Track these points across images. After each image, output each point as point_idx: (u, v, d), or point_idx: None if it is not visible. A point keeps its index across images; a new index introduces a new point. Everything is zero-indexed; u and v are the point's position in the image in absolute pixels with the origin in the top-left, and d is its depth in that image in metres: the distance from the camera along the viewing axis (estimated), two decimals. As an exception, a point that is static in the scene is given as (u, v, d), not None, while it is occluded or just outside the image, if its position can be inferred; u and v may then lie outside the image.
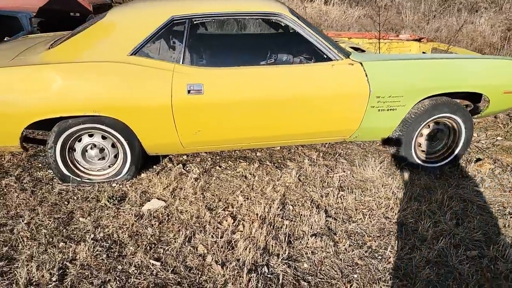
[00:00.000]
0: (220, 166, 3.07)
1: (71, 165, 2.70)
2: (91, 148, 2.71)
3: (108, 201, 2.54)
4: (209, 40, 2.92)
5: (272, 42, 2.86)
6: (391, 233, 2.40)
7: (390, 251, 2.23)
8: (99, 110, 2.47)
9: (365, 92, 2.74)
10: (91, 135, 2.68)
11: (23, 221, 2.34)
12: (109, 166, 2.79)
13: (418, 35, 4.62)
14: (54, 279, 1.93)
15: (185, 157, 3.18)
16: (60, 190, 2.67)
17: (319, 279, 2.02)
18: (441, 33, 7.87)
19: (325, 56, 2.72)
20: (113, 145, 2.73)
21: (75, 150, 2.70)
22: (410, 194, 2.78)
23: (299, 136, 2.88)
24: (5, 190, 2.65)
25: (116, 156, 2.77)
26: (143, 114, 2.53)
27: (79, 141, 2.68)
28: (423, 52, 4.22)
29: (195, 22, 2.62)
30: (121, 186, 2.74)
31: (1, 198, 2.56)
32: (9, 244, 2.15)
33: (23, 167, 2.94)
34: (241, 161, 3.17)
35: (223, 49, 2.92)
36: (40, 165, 3.00)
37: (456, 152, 3.20)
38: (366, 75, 2.73)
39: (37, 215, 2.40)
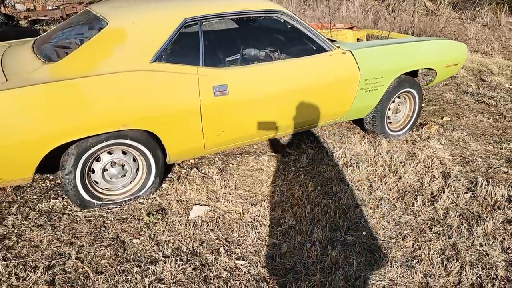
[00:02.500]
0: (232, 164, 3.11)
1: (91, 188, 2.45)
2: (111, 166, 2.50)
3: (150, 217, 2.41)
4: (222, 39, 2.90)
5: (276, 38, 3.00)
6: (406, 192, 2.82)
7: (416, 206, 2.64)
8: (129, 123, 2.31)
9: (356, 76, 3.10)
10: (109, 153, 2.47)
11: (70, 257, 2.08)
12: (130, 182, 2.61)
13: (350, 24, 5.21)
14: (157, 303, 1.82)
15: (192, 161, 3.13)
16: (86, 217, 2.41)
17: (381, 241, 2.32)
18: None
19: (322, 48, 2.99)
20: (134, 160, 2.56)
21: (93, 172, 2.46)
22: (399, 158, 3.25)
23: (306, 123, 3.11)
24: (16, 231, 2.28)
25: (137, 171, 2.60)
26: (173, 122, 2.45)
27: (97, 160, 2.45)
28: (358, 39, 4.81)
29: (206, 23, 2.61)
30: (149, 200, 2.60)
31: (20, 240, 2.20)
32: (79, 284, 1.91)
33: (13, 202, 2.53)
34: (247, 155, 3.25)
35: (238, 47, 2.94)
36: (34, 196, 2.62)
37: (412, 120, 3.82)
38: (356, 62, 3.09)
39: (82, 247, 2.16)
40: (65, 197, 2.60)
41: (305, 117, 3.02)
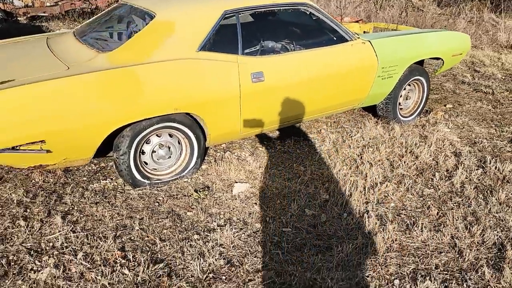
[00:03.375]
0: (260, 147, 3.34)
1: (141, 168, 2.65)
2: (159, 147, 2.70)
3: (198, 193, 2.62)
4: (257, 30, 3.11)
5: (303, 29, 3.22)
6: (424, 169, 3.09)
7: (435, 181, 2.91)
8: (180, 107, 2.51)
9: (375, 64, 3.35)
10: (158, 135, 2.67)
11: (133, 228, 2.28)
12: (175, 163, 2.81)
13: (356, 18, 5.47)
14: (222, 262, 2.04)
15: (223, 145, 3.34)
16: (138, 195, 2.61)
17: (409, 211, 2.58)
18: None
19: (344, 38, 3.23)
20: (178, 142, 2.76)
21: (143, 153, 2.65)
22: (413, 141, 3.52)
23: (329, 108, 3.35)
24: (76, 208, 2.46)
25: (180, 153, 2.80)
26: (216, 106, 2.66)
27: (147, 142, 2.65)
28: (364, 32, 5.06)
29: (242, 14, 2.82)
30: (192, 179, 2.81)
31: (82, 215, 2.39)
32: (147, 250, 2.12)
33: (65, 184, 2.70)
34: (273, 140, 3.48)
35: (270, 37, 3.15)
36: (84, 178, 2.80)
37: (421, 106, 4.10)
38: (375, 51, 3.34)
39: (142, 220, 2.36)
40: (114, 178, 2.79)
41: (328, 103, 3.26)
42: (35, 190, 2.61)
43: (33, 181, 2.72)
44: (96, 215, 2.39)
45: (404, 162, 3.14)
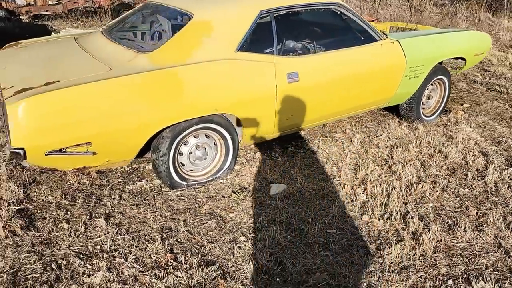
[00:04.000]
0: (289, 148, 3.33)
1: (179, 170, 2.63)
2: (196, 149, 2.68)
3: (236, 195, 2.60)
4: (290, 30, 3.09)
5: (335, 28, 3.22)
6: (455, 169, 3.10)
7: (468, 180, 2.92)
8: (219, 108, 2.50)
9: (403, 64, 3.35)
10: (195, 137, 2.65)
11: (178, 230, 2.27)
12: (210, 164, 2.79)
13: (372, 17, 5.47)
14: (273, 264, 2.03)
15: (252, 146, 3.33)
16: (177, 196, 2.59)
17: (448, 211, 2.58)
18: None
19: (373, 37, 3.23)
20: (214, 143, 2.75)
21: (181, 154, 2.64)
22: (439, 140, 3.53)
23: (358, 108, 3.35)
24: (117, 210, 2.44)
25: (215, 154, 2.78)
26: (253, 106, 2.65)
27: (185, 144, 2.63)
28: (381, 31, 5.06)
29: (277, 14, 2.80)
30: (228, 180, 2.79)
31: (124, 217, 2.37)
32: (196, 252, 2.11)
33: (101, 185, 2.68)
34: (300, 140, 3.47)
35: (304, 37, 3.14)
36: (119, 180, 2.78)
37: (442, 106, 4.12)
38: (403, 50, 3.34)
39: (185, 221, 2.34)
40: (149, 179, 2.77)
41: (358, 102, 3.26)
42: (72, 192, 2.58)
43: (68, 183, 2.69)
44: (138, 217, 2.37)
45: (435, 162, 3.15)
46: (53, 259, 2.02)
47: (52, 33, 8.00)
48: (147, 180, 2.76)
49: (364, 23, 3.19)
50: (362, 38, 3.18)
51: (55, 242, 2.14)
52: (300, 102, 2.87)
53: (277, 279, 1.96)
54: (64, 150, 2.09)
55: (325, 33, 3.25)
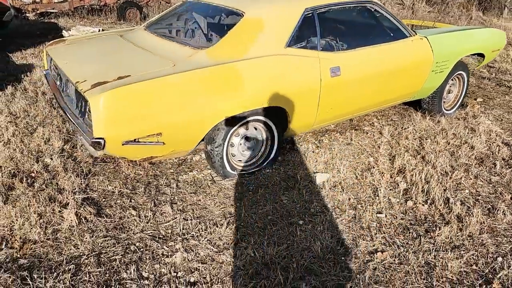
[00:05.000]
0: (323, 140, 3.48)
1: (230, 160, 2.77)
2: (246, 139, 2.82)
3: (286, 183, 2.75)
4: (331, 26, 3.24)
5: (370, 25, 3.38)
6: (482, 159, 3.28)
7: (498, 169, 3.11)
8: (271, 101, 2.64)
9: (431, 59, 3.53)
10: (245, 128, 2.79)
11: (241, 215, 2.41)
12: (256, 155, 2.93)
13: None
14: (336, 244, 2.18)
15: (291, 138, 3.47)
16: (230, 185, 2.73)
17: (484, 196, 2.76)
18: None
19: (405, 34, 3.39)
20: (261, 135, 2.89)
21: (232, 145, 2.77)
22: (463, 132, 3.71)
23: (389, 101, 3.52)
24: (176, 197, 2.57)
25: (261, 145, 2.93)
26: (300, 99, 2.79)
27: (236, 135, 2.77)
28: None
29: (319, 12, 2.95)
30: (273, 169, 2.94)
31: (186, 204, 2.50)
32: (262, 234, 2.25)
33: (155, 176, 2.81)
34: (333, 133, 3.63)
35: (343, 33, 3.29)
36: (171, 170, 2.91)
37: (460, 100, 4.31)
38: (431, 46, 3.52)
39: (243, 207, 2.49)
40: (198, 170, 2.90)
41: (390, 96, 3.43)
42: (131, 182, 2.71)
43: (123, 173, 2.81)
44: (199, 204, 2.51)
45: (463, 153, 3.33)
46: (130, 243, 2.15)
47: (66, 32, 8.04)
48: (197, 171, 2.90)
49: (396, 20, 3.36)
50: (395, 34, 3.34)
51: (128, 227, 2.27)
52: (340, 95, 3.02)
53: (342, 257, 2.11)
54: (138, 140, 2.21)
55: (362, 30, 3.41)
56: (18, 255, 2.06)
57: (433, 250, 2.18)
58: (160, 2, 11.65)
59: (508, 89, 5.41)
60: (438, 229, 2.36)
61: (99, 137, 2.10)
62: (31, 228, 2.21)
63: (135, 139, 2.20)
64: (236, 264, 2.02)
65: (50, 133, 3.38)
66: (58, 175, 2.77)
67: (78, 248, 2.11)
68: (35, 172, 2.81)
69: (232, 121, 2.59)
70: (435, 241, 2.26)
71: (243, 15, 2.71)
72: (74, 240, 2.15)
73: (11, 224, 2.28)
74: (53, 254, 2.07)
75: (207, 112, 2.38)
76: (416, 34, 3.48)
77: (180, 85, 2.28)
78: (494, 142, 3.56)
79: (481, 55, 4.20)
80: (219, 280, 1.94)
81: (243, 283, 1.90)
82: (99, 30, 8.81)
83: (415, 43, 3.42)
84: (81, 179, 2.70)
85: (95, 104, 2.07)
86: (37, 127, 3.56)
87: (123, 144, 2.17)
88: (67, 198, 2.48)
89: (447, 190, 2.77)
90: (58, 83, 2.97)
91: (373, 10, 3.26)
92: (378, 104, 3.45)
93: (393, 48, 3.28)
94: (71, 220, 2.28)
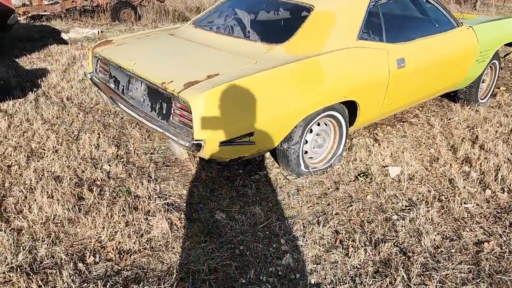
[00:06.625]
0: (379, 134, 3.46)
1: (305, 157, 2.71)
2: (317, 136, 2.76)
3: (363, 179, 2.71)
4: (392, 17, 3.20)
5: (425, 16, 3.36)
6: (535, 145, 3.33)
7: (555, 154, 3.16)
8: (348, 95, 2.59)
9: (476, 48, 3.55)
10: (318, 125, 2.73)
11: (332, 213, 2.35)
12: (325, 151, 2.88)
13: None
14: (439, 238, 2.16)
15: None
16: (307, 183, 2.67)
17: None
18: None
19: (454, 24, 3.41)
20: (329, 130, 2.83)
21: (306, 142, 2.71)
22: (507, 121, 3.76)
23: (440, 91, 3.54)
24: (258, 197, 2.49)
25: (330, 141, 2.88)
26: (371, 92, 2.76)
27: (310, 132, 2.70)
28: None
29: (381, 3, 2.92)
30: (342, 166, 2.89)
31: (270, 203, 2.43)
32: (363, 230, 2.20)
33: (231, 177, 2.72)
34: (383, 126, 3.61)
35: (402, 24, 3.25)
36: (240, 171, 2.82)
37: (492, 89, 4.37)
38: (476, 36, 3.54)
39: (329, 205, 2.43)
40: (267, 170, 2.83)
41: (441, 86, 3.44)
42: (206, 184, 2.61)
43: (193, 176, 2.71)
44: (285, 204, 2.44)
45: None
46: (232, 246, 2.07)
47: (65, 34, 7.76)
48: (266, 170, 2.82)
49: (446, 10, 3.36)
50: (446, 25, 3.35)
51: (223, 231, 2.18)
52: (404, 87, 3.00)
53: (452, 250, 2.09)
54: (233, 140, 2.12)
55: (418, 21, 3.39)
56: (120, 267, 1.94)
57: (532, 237, 2.18)
58: (154, 3, 11.42)
59: (524, 77, 5.52)
60: (526, 216, 2.36)
61: (199, 139, 2.00)
62: (124, 238, 2.10)
63: (230, 140, 2.11)
64: (351, 263, 1.96)
65: (98, 139, 3.23)
66: (125, 181, 2.65)
67: (180, 256, 2.00)
68: (100, 180, 2.68)
69: (309, 118, 2.53)
70: (530, 228, 2.26)
71: (312, 9, 2.65)
72: (174, 248, 2.05)
73: (96, 235, 2.16)
74: (155, 263, 1.97)
75: (294, 109, 2.31)
76: (462, 24, 3.50)
77: (271, 82, 2.20)
78: (538, 129, 3.62)
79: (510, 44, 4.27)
80: (340, 280, 1.88)
81: (366, 283, 1.85)
82: (98, 32, 8.56)
83: (463, 33, 3.44)
84: (153, 184, 2.59)
85: (196, 104, 1.97)
86: (78, 133, 3.40)
87: (219, 145, 2.08)
88: (148, 205, 2.37)
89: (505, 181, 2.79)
90: (113, 85, 2.83)
91: (425, 0, 3.26)
92: (431, 95, 3.45)
93: (446, 38, 3.28)
94: (162, 227, 2.17)
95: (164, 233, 2.15)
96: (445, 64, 3.29)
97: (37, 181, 2.64)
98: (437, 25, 3.30)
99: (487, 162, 2.93)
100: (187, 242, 2.09)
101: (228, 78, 2.11)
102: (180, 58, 2.53)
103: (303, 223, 2.26)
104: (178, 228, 2.20)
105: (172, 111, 2.18)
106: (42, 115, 3.72)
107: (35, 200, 2.44)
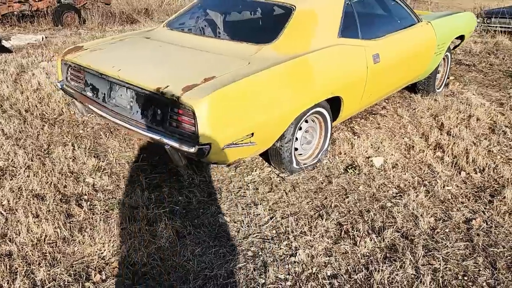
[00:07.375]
0: (356, 127, 3.61)
1: (296, 155, 2.76)
2: (306, 132, 2.83)
3: (352, 171, 2.82)
4: (365, 15, 3.30)
5: (392, 13, 3.53)
6: (492, 128, 3.66)
7: (509, 133, 3.49)
8: (334, 91, 2.68)
9: (435, 42, 3.83)
10: (306, 121, 2.79)
11: (331, 206, 2.43)
12: (312, 147, 2.96)
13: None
14: (433, 220, 2.31)
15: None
16: (301, 179, 2.72)
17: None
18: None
19: (415, 20, 3.64)
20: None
21: (296, 139, 2.76)
22: (463, 107, 4.08)
23: (405, 83, 3.76)
24: (257, 197, 2.51)
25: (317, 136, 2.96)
26: (352, 87, 2.88)
27: (299, 129, 2.76)
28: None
29: (354, 1, 3.04)
30: (329, 160, 2.99)
31: (268, 201, 2.45)
32: (364, 220, 2.30)
33: (225, 179, 2.71)
34: (358, 120, 3.78)
35: (372, 21, 3.37)
36: (232, 173, 2.81)
37: (445, 79, 4.73)
38: (434, 30, 3.82)
39: (326, 198, 2.51)
40: (259, 170, 2.85)
41: (406, 79, 3.66)
42: (201, 189, 2.57)
43: (186, 182, 2.66)
44: (284, 201, 2.47)
45: (475, 124, 3.68)
46: (243, 248, 2.06)
47: (6, 42, 7.20)
48: (258, 170, 2.84)
49: (408, 7, 3.58)
50: (410, 21, 3.57)
51: (230, 234, 2.17)
52: (379, 81, 3.16)
53: (446, 229, 2.24)
54: (236, 142, 2.11)
55: (387, 18, 3.57)
56: (131, 282, 1.87)
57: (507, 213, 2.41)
58: (99, 5, 10.92)
59: (468, 66, 6.02)
60: (500, 192, 2.60)
61: (205, 143, 1.97)
62: (130, 251, 2.01)
63: (233, 142, 2.10)
64: (361, 252, 2.04)
65: (73, 151, 3.06)
66: (115, 193, 2.54)
67: (193, 263, 1.97)
68: (86, 194, 2.54)
69: (300, 115, 2.58)
70: (506, 203, 2.49)
71: (294, 8, 2.70)
72: (185, 256, 2.01)
73: (98, 251, 2.05)
74: (169, 273, 1.91)
75: (290, 107, 2.35)
76: (422, 20, 3.74)
77: (268, 82, 2.23)
78: (491, 113, 3.97)
79: (460, 37, 4.65)
80: (354, 269, 1.95)
81: (379, 269, 1.94)
82: (42, 38, 8.04)
83: (424, 28, 3.68)
84: (146, 193, 2.50)
85: (200, 108, 1.93)
86: (48, 146, 3.20)
87: (223, 148, 2.06)
88: (147, 215, 2.29)
89: (485, 158, 3.05)
90: (90, 94, 2.70)
91: (391, -1, 3.45)
92: (400, 87, 3.67)
93: (411, 33, 3.50)
94: (168, 236, 2.12)
95: (170, 242, 2.10)
96: (411, 58, 3.51)
97: (16, 201, 2.45)
98: (402, 21, 3.51)
99: (457, 146, 3.18)
100: (197, 248, 2.06)
101: (227, 80, 2.10)
102: (168, 62, 2.46)
103: (306, 218, 2.31)
104: (184, 235, 2.16)
105: (168, 117, 2.13)
106: (2, 130, 3.44)
107: (18, 221, 2.27)
